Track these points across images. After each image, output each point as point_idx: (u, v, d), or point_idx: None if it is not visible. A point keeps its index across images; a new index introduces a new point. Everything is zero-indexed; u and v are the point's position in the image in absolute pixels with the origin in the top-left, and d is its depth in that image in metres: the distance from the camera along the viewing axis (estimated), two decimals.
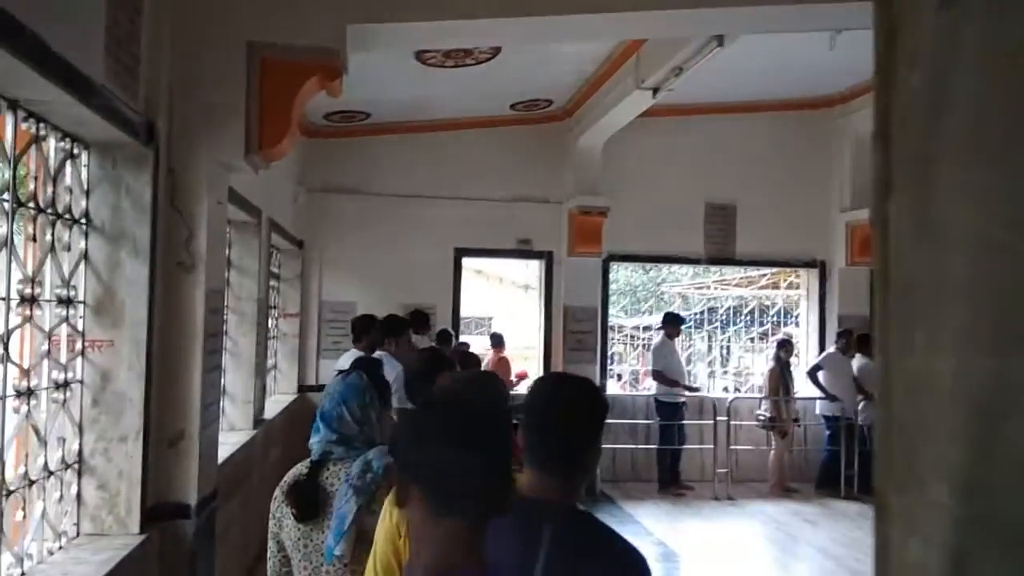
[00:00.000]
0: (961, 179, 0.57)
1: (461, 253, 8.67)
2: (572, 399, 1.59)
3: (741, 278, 10.24)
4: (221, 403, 4.28)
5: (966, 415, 0.56)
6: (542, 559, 1.43)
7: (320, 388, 7.82)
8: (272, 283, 7.00)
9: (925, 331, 0.62)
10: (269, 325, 6.67)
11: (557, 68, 7.00)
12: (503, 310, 11.71)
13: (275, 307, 7.37)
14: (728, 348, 9.93)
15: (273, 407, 6.55)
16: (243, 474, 4.82)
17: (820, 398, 8.28)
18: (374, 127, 8.20)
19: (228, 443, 4.56)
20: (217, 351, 3.59)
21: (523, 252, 8.78)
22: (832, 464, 8.21)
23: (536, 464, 1.56)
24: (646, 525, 6.99)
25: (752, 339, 9.83)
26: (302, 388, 7.95)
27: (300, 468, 2.20)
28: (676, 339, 8.39)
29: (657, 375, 8.13)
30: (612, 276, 9.26)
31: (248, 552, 4.99)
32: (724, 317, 9.78)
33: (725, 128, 8.79)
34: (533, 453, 1.56)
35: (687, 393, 8.22)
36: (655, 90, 6.24)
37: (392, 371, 3.80)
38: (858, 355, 8.30)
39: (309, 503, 2.09)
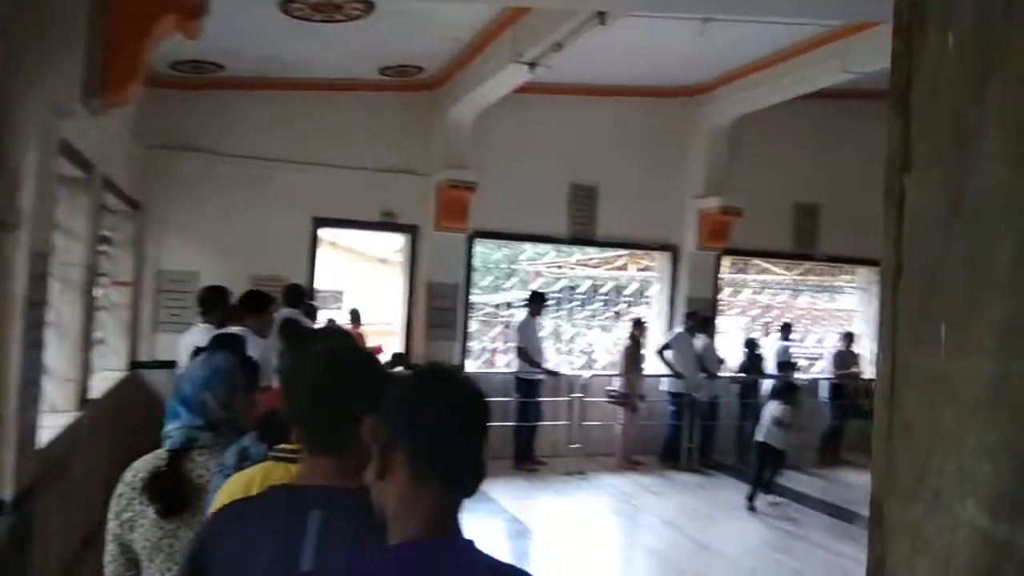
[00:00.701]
0: (1009, 154, 0.50)
1: (319, 223, 8.27)
2: (336, 370, 1.45)
3: (599, 259, 10.52)
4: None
5: (1007, 426, 0.50)
6: (309, 548, 1.34)
7: (156, 365, 7.22)
8: (102, 247, 6.32)
9: (954, 327, 0.55)
10: (97, 294, 6.01)
11: (432, 34, 6.77)
12: (358, 284, 11.36)
13: (104, 274, 6.67)
14: (581, 327, 10.19)
15: (101, 385, 5.93)
16: (64, 462, 4.32)
17: (666, 375, 8.67)
18: (228, 81, 7.59)
19: (48, 427, 4.05)
20: (40, 325, 3.14)
21: (387, 225, 8.51)
22: (675, 438, 8.66)
23: (308, 446, 1.46)
24: (500, 502, 7.04)
25: (607, 318, 10.13)
26: (135, 364, 7.29)
27: (154, 459, 1.96)
28: (539, 317, 8.47)
29: (521, 353, 8.18)
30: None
31: (67, 550, 4.49)
32: (580, 297, 10.01)
33: (593, 110, 8.93)
34: (302, 434, 1.47)
35: (547, 375, 8.32)
36: (532, 65, 6.18)
37: (256, 349, 3.50)
38: (701, 335, 8.76)
39: (174, 497, 1.87)
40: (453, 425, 1.17)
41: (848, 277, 10.64)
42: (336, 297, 11.71)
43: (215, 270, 7.21)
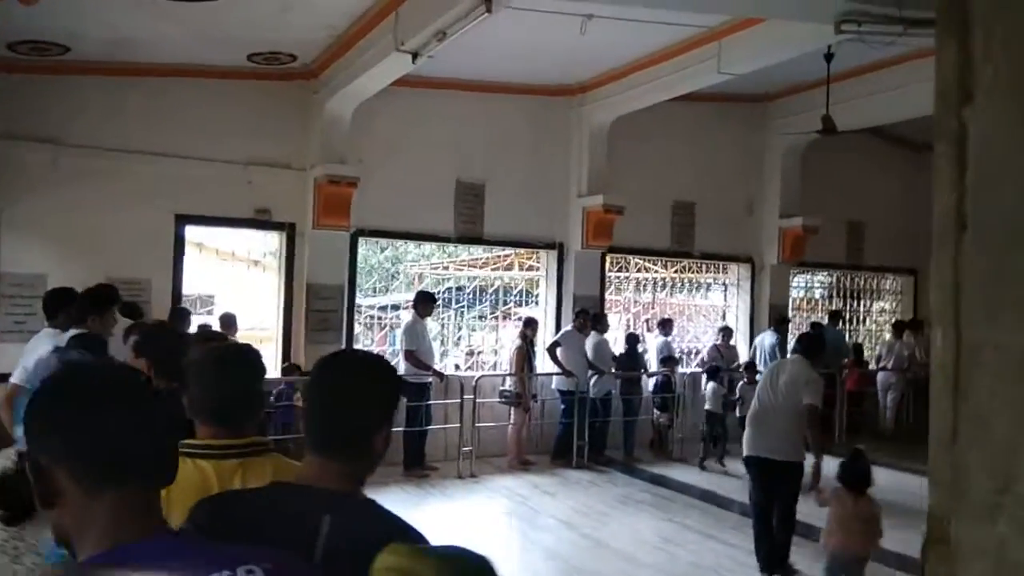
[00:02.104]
0: None
1: (184, 221, 7.64)
2: (360, 376, 1.48)
3: (486, 259, 10.37)
4: None
5: None
6: (320, 552, 1.33)
7: None
8: None
9: None
10: None
11: (304, 20, 6.38)
12: (230, 288, 10.64)
13: None
14: (467, 328, 10.01)
15: None
16: None
17: (557, 373, 8.65)
18: (75, 65, 6.86)
19: None
20: None
21: (261, 223, 7.98)
22: (566, 436, 8.64)
23: (317, 448, 1.45)
24: (391, 510, 6.74)
25: (495, 318, 10.00)
26: None
27: (2, 460, 1.82)
28: (427, 318, 8.20)
29: (409, 356, 7.88)
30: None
31: None
32: (467, 297, 9.83)
33: (479, 107, 8.79)
34: (313, 435, 1.46)
35: (436, 377, 8.06)
36: (415, 55, 5.93)
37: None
38: (593, 333, 8.80)
39: (22, 500, 1.73)
40: (123, 415, 1.06)
41: (720, 274, 11.06)
42: (206, 301, 10.94)
43: (65, 272, 6.46)
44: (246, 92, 7.70)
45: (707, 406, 8.62)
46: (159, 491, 1.11)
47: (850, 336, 11.86)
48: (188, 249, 7.91)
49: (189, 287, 8.12)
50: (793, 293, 11.54)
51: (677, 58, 7.88)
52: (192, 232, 7.98)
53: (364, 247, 8.93)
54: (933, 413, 0.61)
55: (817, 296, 12.37)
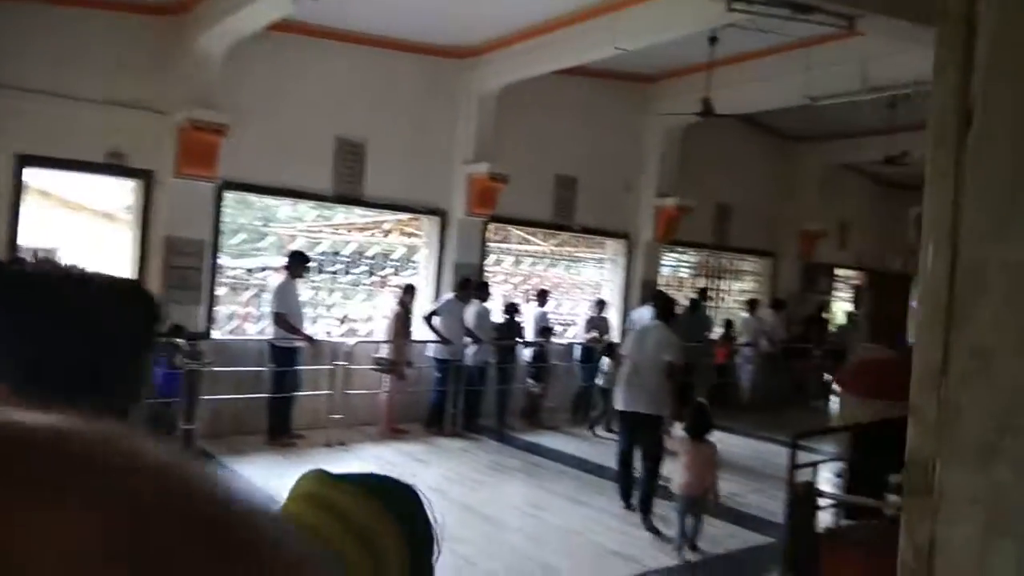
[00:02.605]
0: None
1: (26, 162, 6.85)
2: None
3: (365, 222, 10.02)
4: None
5: None
6: None
7: None
8: None
9: None
10: None
11: None
12: (76, 241, 9.72)
13: None
14: (341, 294, 9.66)
15: None
16: None
17: (434, 341, 8.51)
18: None
19: None
20: None
21: (114, 168, 7.28)
22: (440, 404, 8.55)
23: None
24: (253, 480, 6.41)
25: (372, 284, 9.71)
26: None
27: None
28: (299, 280, 7.81)
29: (279, 318, 7.47)
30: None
31: None
32: (344, 261, 9.48)
33: (364, 61, 8.40)
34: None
35: (307, 342, 7.69)
36: None
37: None
38: (474, 301, 8.72)
39: None
40: (67, 325, 0.90)
41: (598, 249, 11.27)
42: (47, 255, 9.89)
43: None
44: (104, 22, 6.96)
45: (599, 381, 8.89)
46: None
47: (713, 314, 12.45)
48: (30, 197, 7.10)
49: (27, 238, 7.32)
50: (664, 270, 11.94)
51: (572, 27, 7.83)
52: (35, 176, 7.17)
53: (233, 206, 8.38)
54: (918, 347, 0.53)
55: (684, 274, 12.86)
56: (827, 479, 5.58)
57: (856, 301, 15.20)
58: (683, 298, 11.83)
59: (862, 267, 14.90)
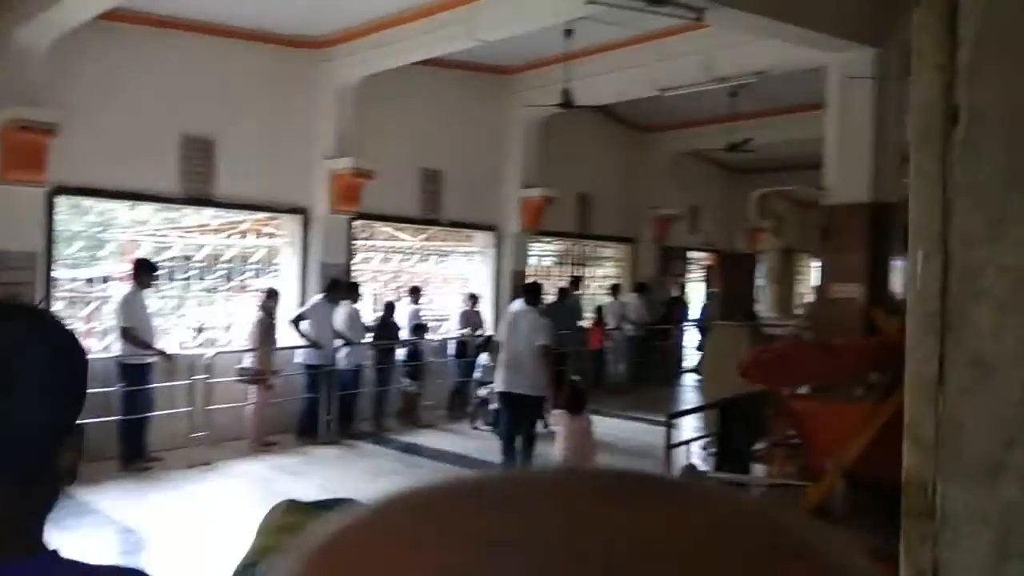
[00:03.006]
0: None
1: None
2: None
3: (219, 224, 9.42)
4: None
5: None
6: None
7: None
8: None
9: None
10: None
11: None
12: None
13: None
14: (195, 302, 9.06)
15: None
16: None
17: (303, 347, 8.16)
18: None
19: None
20: None
21: None
22: (312, 412, 8.22)
23: None
24: (107, 512, 5.89)
25: (231, 290, 9.16)
26: None
27: None
28: (147, 290, 7.21)
29: (126, 333, 6.85)
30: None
31: None
32: (198, 266, 8.87)
33: (209, 52, 7.86)
34: None
35: (159, 357, 7.12)
36: None
37: None
38: (344, 302, 8.43)
39: None
40: None
41: (467, 242, 11.23)
42: None
43: None
44: None
45: (477, 375, 8.94)
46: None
47: (582, 301, 12.74)
48: None
49: None
50: (532, 260, 12.09)
51: (430, 18, 7.69)
52: None
53: (67, 212, 7.62)
54: (911, 359, 0.50)
55: (548, 263, 13.08)
56: (697, 454, 5.84)
57: (707, 281, 16.09)
58: (552, 287, 12.08)
59: (712, 249, 15.79)
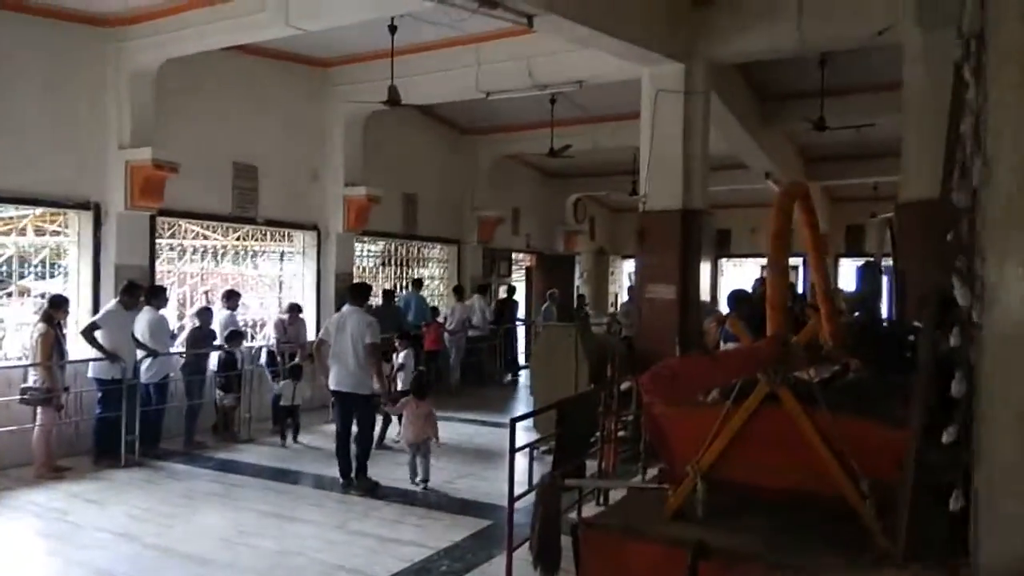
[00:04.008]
0: None
1: None
2: None
3: None
4: None
5: None
6: None
7: None
8: None
9: None
10: None
11: None
12: None
13: None
14: None
15: None
16: None
17: (98, 359, 7.28)
18: None
19: None
20: None
21: None
22: (109, 431, 7.36)
23: None
24: None
25: (7, 295, 7.98)
26: None
27: None
28: None
29: None
30: None
31: None
32: None
33: None
34: None
35: None
36: None
37: None
38: (147, 308, 7.63)
39: None
40: None
41: (286, 243, 10.64)
42: None
43: None
44: None
45: (284, 402, 8.49)
46: None
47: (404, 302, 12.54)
48: None
49: None
50: (357, 261, 11.71)
51: (243, 1, 7.16)
52: None
53: None
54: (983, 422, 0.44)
55: (372, 264, 12.74)
56: (534, 456, 5.90)
57: (528, 282, 16.51)
58: (380, 288, 11.82)
59: (533, 250, 16.22)
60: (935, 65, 6.84)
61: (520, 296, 15.15)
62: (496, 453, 8.12)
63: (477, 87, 9.65)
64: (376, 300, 11.04)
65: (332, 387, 6.74)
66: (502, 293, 14.57)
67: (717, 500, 2.40)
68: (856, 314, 5.74)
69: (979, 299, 1.05)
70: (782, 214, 2.46)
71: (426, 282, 13.35)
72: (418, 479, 6.69)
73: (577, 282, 17.41)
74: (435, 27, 8.28)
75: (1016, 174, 0.78)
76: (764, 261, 18.44)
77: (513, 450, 4.48)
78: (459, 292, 12.71)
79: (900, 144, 7.58)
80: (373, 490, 6.55)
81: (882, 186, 14.03)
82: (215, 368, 8.50)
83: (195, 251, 9.54)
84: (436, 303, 12.89)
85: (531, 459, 4.87)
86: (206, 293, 9.58)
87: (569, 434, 4.98)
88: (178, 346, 8.35)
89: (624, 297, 14.94)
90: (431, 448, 6.78)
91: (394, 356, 8.47)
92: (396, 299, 11.86)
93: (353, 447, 6.68)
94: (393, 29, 8.32)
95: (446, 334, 11.93)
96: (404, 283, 12.84)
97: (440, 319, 12.00)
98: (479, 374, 12.64)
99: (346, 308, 6.86)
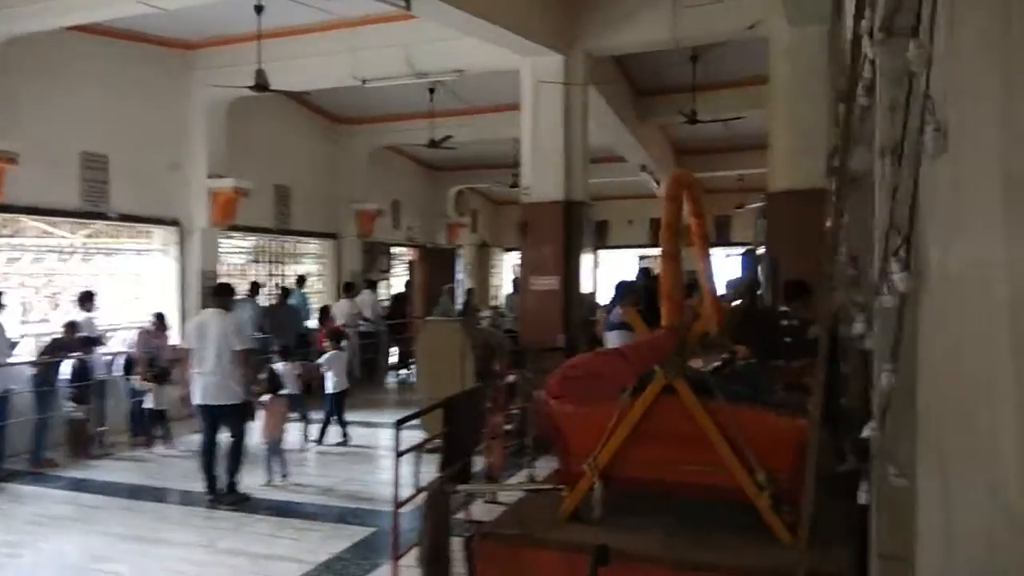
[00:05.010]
0: None
1: None
2: None
3: None
4: None
5: None
6: None
7: None
8: None
9: None
10: None
11: None
12: None
13: None
14: None
15: None
16: None
17: None
18: None
19: None
20: None
21: None
22: None
23: None
24: None
25: None
26: None
27: None
28: None
29: None
30: None
31: None
32: None
33: None
34: None
35: None
36: None
37: None
38: None
39: None
40: None
41: (144, 239, 9.84)
42: None
43: None
44: None
45: (148, 404, 7.99)
46: None
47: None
48: None
49: None
50: (224, 258, 11.01)
51: None
52: None
53: None
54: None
55: (239, 261, 12.03)
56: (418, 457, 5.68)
57: (410, 276, 16.17)
58: (273, 288, 11.25)
59: (414, 244, 15.90)
60: (801, 60, 7.17)
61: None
62: (379, 455, 7.85)
63: (353, 74, 9.27)
64: (253, 298, 10.43)
65: (197, 401, 6.13)
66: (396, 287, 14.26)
67: (615, 498, 2.30)
68: (738, 301, 5.89)
69: (918, 277, 0.97)
70: (673, 203, 2.39)
71: (312, 278, 12.79)
72: (278, 475, 6.55)
73: (460, 275, 17.24)
74: (307, 9, 7.86)
75: (986, 136, 0.69)
76: (641, 252, 19.06)
77: (398, 453, 4.26)
78: (349, 288, 12.25)
79: (764, 137, 7.91)
80: (243, 503, 6.06)
81: (747, 177, 14.69)
82: (66, 378, 7.71)
83: (38, 249, 8.63)
84: (315, 301, 12.34)
85: (418, 460, 4.66)
86: (53, 296, 8.69)
87: (457, 432, 4.82)
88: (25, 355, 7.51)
89: (508, 289, 14.88)
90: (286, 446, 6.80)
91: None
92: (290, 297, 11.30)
93: (226, 459, 6.16)
94: (259, 9, 7.83)
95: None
96: (278, 281, 12.22)
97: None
98: (372, 371, 12.22)
99: (207, 311, 6.39)
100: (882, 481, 1.25)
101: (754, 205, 13.94)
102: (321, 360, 8.12)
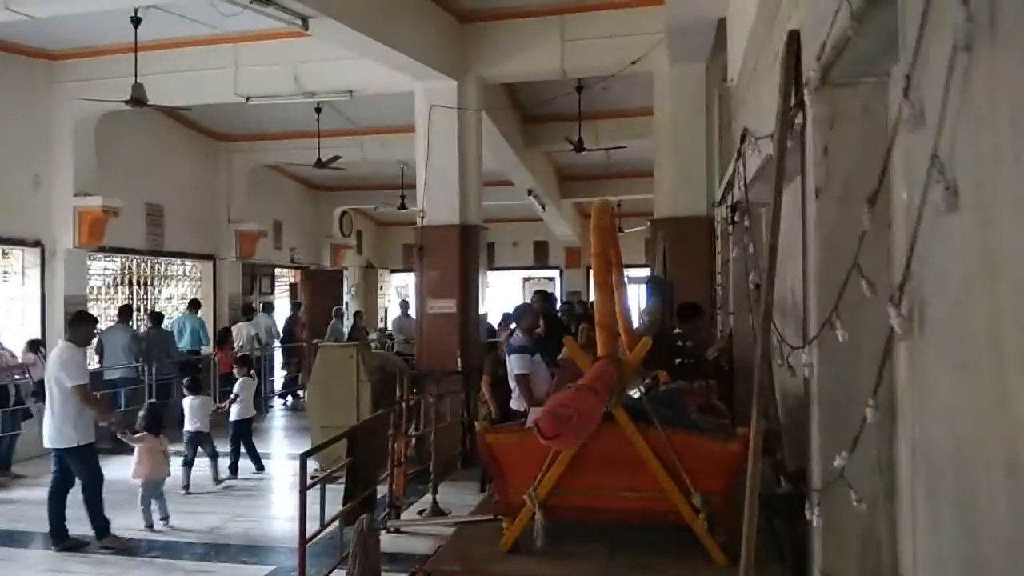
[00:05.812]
0: None
1: None
2: None
3: None
4: None
5: None
6: None
7: None
8: None
9: None
10: None
11: None
12: None
13: None
14: None
15: None
16: None
17: None
18: None
19: None
20: None
21: None
22: None
23: None
24: None
25: None
26: None
27: None
28: None
29: None
30: None
31: None
32: None
33: None
34: None
35: None
36: None
37: None
38: None
39: None
40: None
41: (1, 262, 9.00)
42: None
43: None
44: None
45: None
46: None
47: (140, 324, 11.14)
48: None
49: None
50: (92, 281, 10.25)
51: None
52: None
53: None
54: None
55: (108, 285, 11.22)
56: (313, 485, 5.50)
57: (293, 298, 15.65)
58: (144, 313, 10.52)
59: (298, 265, 15.41)
60: (685, 95, 7.61)
61: (282, 314, 14.29)
62: (269, 490, 7.50)
63: (236, 90, 8.94)
64: (126, 323, 9.72)
65: (45, 444, 5.66)
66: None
67: (554, 527, 2.34)
68: (642, 325, 6.11)
69: (911, 320, 1.07)
70: (603, 233, 2.47)
71: (174, 302, 12.08)
72: (158, 518, 6.05)
73: (346, 297, 16.86)
74: (186, 21, 7.52)
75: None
76: (526, 274, 19.36)
77: (305, 487, 4.10)
78: (247, 311, 11.72)
79: (641, 166, 8.32)
80: (123, 547, 5.61)
81: (625, 204, 15.29)
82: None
83: None
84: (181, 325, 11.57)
85: (323, 492, 4.51)
86: None
87: (361, 461, 4.71)
88: None
89: (396, 312, 14.67)
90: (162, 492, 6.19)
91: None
92: (167, 323, 10.57)
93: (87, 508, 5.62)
94: (137, 21, 7.41)
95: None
96: (150, 304, 11.48)
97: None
98: (255, 397, 11.66)
99: (60, 343, 5.82)
100: (837, 505, 1.36)
101: (635, 229, 14.55)
102: (236, 389, 7.79)
